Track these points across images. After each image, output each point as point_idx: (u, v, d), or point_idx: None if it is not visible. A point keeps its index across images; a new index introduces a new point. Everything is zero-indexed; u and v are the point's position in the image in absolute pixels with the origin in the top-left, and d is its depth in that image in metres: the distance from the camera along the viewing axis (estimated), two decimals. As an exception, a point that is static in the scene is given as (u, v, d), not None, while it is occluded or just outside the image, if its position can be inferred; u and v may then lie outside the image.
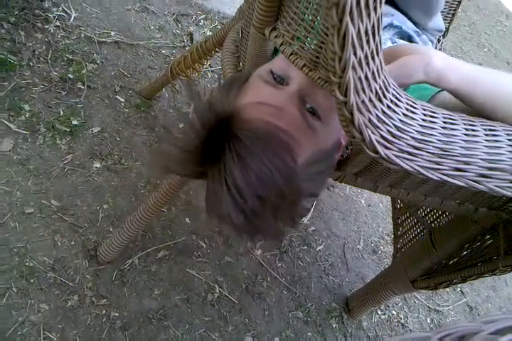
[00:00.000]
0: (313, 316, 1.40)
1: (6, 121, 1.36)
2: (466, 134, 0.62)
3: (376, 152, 0.58)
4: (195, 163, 0.64)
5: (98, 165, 1.40)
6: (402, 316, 1.54)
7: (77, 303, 1.13)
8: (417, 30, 1.01)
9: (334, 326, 1.41)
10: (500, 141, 0.64)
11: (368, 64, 0.52)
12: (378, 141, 0.58)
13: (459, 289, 1.71)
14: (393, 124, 0.58)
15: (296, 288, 1.44)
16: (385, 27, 0.95)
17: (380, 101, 0.57)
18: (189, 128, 0.62)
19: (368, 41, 0.50)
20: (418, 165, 0.60)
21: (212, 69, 1.94)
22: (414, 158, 0.59)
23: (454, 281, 1.08)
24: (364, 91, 0.54)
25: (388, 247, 1.69)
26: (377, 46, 0.52)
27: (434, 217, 1.20)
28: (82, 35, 1.71)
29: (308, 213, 0.70)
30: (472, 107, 0.67)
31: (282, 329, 1.34)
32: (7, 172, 1.27)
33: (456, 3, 1.44)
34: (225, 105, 0.63)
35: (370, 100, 0.55)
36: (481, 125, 0.65)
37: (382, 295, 1.30)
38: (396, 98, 0.59)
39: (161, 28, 1.95)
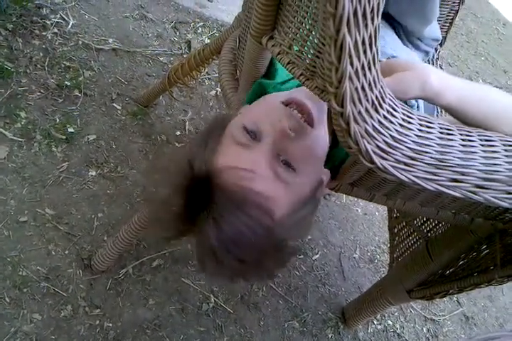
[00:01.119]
0: (309, 326, 1.39)
1: (1, 129, 1.35)
2: (462, 145, 0.62)
3: (372, 162, 0.58)
4: (176, 223, 0.67)
5: (94, 173, 1.40)
6: (398, 326, 1.53)
7: (71, 313, 1.12)
8: (394, 55, 1.01)
9: (330, 336, 1.40)
10: (497, 152, 0.64)
11: (364, 74, 0.52)
12: (374, 152, 0.57)
13: (455, 299, 1.70)
14: (389, 134, 0.58)
15: (292, 298, 1.43)
16: None
17: (377, 111, 0.56)
18: (172, 188, 0.66)
19: (364, 51, 0.50)
20: (414, 176, 0.59)
21: (209, 76, 1.94)
22: (411, 169, 0.59)
23: (451, 291, 1.07)
24: (361, 102, 0.54)
25: (385, 256, 1.68)
26: (374, 56, 0.52)
27: (431, 226, 1.20)
28: (80, 42, 1.71)
29: (296, 253, 0.75)
30: (467, 123, 0.67)
31: (278, 339, 1.33)
32: (1, 180, 1.26)
33: (454, 12, 1.45)
34: (202, 165, 0.65)
35: (367, 110, 0.55)
36: (478, 135, 0.65)
37: (378, 305, 1.29)
38: (392, 108, 0.59)
39: (159, 35, 1.96)
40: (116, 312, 1.17)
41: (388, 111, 0.58)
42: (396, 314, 1.56)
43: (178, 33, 2.05)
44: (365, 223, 1.77)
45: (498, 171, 0.62)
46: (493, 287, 1.84)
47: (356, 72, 0.51)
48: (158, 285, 1.26)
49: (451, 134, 0.62)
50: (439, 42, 1.30)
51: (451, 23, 1.49)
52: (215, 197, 0.63)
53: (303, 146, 0.69)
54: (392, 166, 0.58)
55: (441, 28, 1.42)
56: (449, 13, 1.45)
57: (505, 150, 0.64)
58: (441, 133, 0.62)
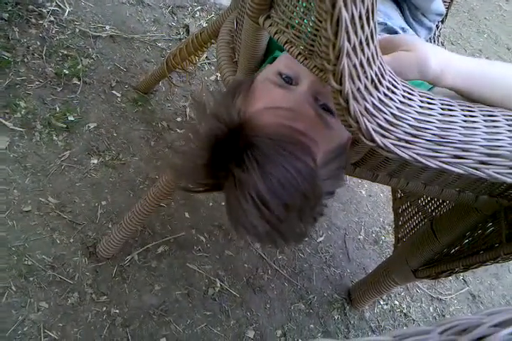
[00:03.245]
0: (315, 308, 1.40)
1: (1, 119, 1.35)
2: (464, 120, 0.61)
3: (373, 141, 0.57)
4: (209, 177, 0.63)
5: (95, 161, 1.39)
6: (404, 306, 1.53)
7: (77, 301, 1.13)
8: (403, 26, 0.99)
9: (336, 317, 1.41)
10: (500, 127, 0.63)
11: (362, 50, 0.51)
12: (375, 130, 0.56)
13: (461, 277, 1.71)
14: (390, 112, 0.57)
15: (298, 280, 1.43)
16: None
17: (376, 88, 0.55)
18: (199, 142, 0.62)
19: (362, 26, 0.49)
20: (416, 153, 0.59)
21: (209, 61, 1.92)
22: (412, 146, 0.58)
23: (456, 270, 1.07)
24: (359, 79, 0.53)
25: (389, 237, 1.68)
26: (371, 32, 0.51)
27: (435, 205, 1.19)
28: (77, 30, 1.69)
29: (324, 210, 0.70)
30: (471, 100, 0.66)
31: (284, 321, 1.33)
32: (4, 170, 1.26)
33: (455, -13, 1.42)
34: (234, 114, 0.62)
35: (366, 88, 0.54)
36: (480, 111, 0.64)
37: (384, 285, 1.29)
38: (392, 85, 0.58)
39: (156, 20, 1.93)
40: (122, 299, 1.18)
41: (388, 88, 0.57)
42: (402, 294, 1.56)
43: (175, 18, 2.02)
44: (369, 204, 1.77)
45: (500, 146, 0.61)
46: (500, 265, 1.84)
47: (354, 48, 0.50)
48: (163, 271, 1.27)
49: (453, 110, 0.61)
50: (442, 17, 1.28)
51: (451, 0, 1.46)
52: (254, 139, 0.59)
53: None
54: (394, 144, 0.58)
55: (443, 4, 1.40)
56: (451, -12, 1.42)
57: (509, 125, 0.63)
58: (443, 109, 0.61)
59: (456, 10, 3.33)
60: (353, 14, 0.47)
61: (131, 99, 1.60)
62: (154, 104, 1.65)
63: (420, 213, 1.25)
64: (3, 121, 1.35)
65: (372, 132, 0.56)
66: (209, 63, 1.92)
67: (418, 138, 0.58)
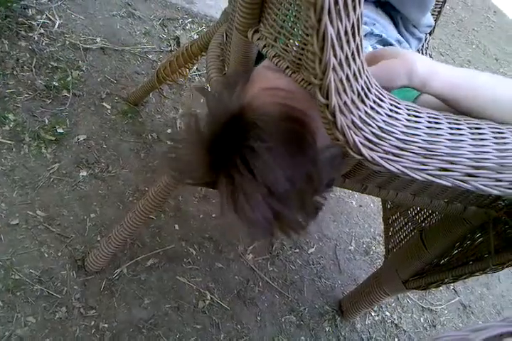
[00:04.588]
0: (306, 320, 1.39)
1: (-11, 132, 1.34)
2: (451, 133, 0.61)
3: (360, 154, 0.57)
4: (213, 165, 0.62)
5: (85, 173, 1.39)
6: (395, 317, 1.53)
7: (65, 315, 1.11)
8: (399, 38, 1.01)
9: (327, 329, 1.40)
10: (486, 139, 0.63)
11: (348, 65, 0.52)
12: (362, 143, 0.57)
13: (452, 287, 1.71)
14: (377, 125, 0.57)
15: (289, 292, 1.42)
16: (365, 35, 0.95)
17: (363, 102, 0.56)
18: (204, 126, 0.62)
19: (348, 41, 0.50)
20: (403, 166, 0.59)
21: (199, 73, 1.93)
22: (400, 159, 0.59)
23: (446, 281, 1.07)
24: (346, 93, 0.53)
25: (380, 247, 1.69)
26: (357, 46, 0.51)
27: (424, 216, 1.20)
28: (67, 42, 1.69)
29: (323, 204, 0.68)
30: (457, 109, 0.67)
31: (275, 334, 1.32)
32: (-9, 183, 1.25)
33: (442, 0, 1.44)
34: (235, 98, 0.62)
35: (353, 102, 0.55)
36: (467, 123, 0.65)
37: (375, 296, 1.29)
38: (379, 99, 0.58)
39: (147, 32, 1.94)
40: (111, 313, 1.16)
41: (375, 102, 0.58)
42: (393, 305, 1.56)
43: (166, 30, 2.03)
44: (360, 215, 1.77)
45: (487, 159, 0.61)
46: (490, 274, 1.84)
47: (340, 63, 0.51)
48: (153, 284, 1.25)
49: (440, 123, 0.62)
50: (431, 28, 1.31)
51: (439, 12, 1.49)
52: (256, 118, 0.59)
53: None
54: (381, 157, 0.58)
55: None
56: (438, 1, 1.45)
57: (495, 138, 0.64)
58: (430, 122, 0.61)
59: (445, 21, 3.38)
60: (338, 30, 0.48)
61: (121, 111, 1.60)
62: (144, 116, 1.65)
63: (410, 224, 1.25)
64: (-8, 134, 1.34)
65: (360, 145, 0.57)
66: (199, 75, 1.93)
67: (405, 151, 0.59)
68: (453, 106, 0.67)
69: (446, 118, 0.64)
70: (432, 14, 1.46)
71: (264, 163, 0.58)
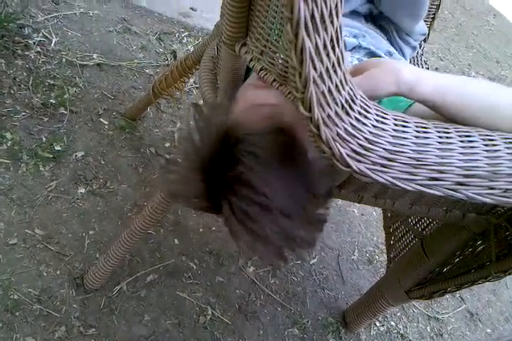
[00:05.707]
0: (310, 332, 1.37)
1: (-13, 151, 1.34)
2: (440, 142, 0.61)
3: (348, 166, 0.57)
4: (208, 191, 0.62)
5: (83, 190, 1.39)
6: (401, 326, 1.51)
7: (65, 334, 1.10)
8: (390, 50, 1.01)
9: (332, 341, 1.38)
10: (476, 147, 0.63)
11: (330, 77, 0.51)
12: (349, 155, 0.56)
13: (458, 295, 1.68)
14: (363, 137, 0.57)
15: (291, 305, 1.41)
16: (353, 48, 0.95)
17: (347, 114, 0.55)
18: (194, 148, 0.61)
19: (327, 54, 0.49)
20: (392, 177, 0.58)
21: (197, 85, 1.93)
22: (388, 170, 0.58)
23: (449, 290, 1.05)
24: (329, 105, 0.53)
25: (383, 256, 1.66)
26: (338, 58, 0.51)
27: (425, 224, 1.19)
28: (64, 60, 1.71)
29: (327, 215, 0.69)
30: (446, 117, 0.66)
31: (278, 348, 1.31)
32: (-11, 202, 1.25)
33: (435, 6, 1.44)
34: (222, 121, 0.62)
35: (337, 114, 0.54)
36: (456, 131, 0.64)
37: (378, 306, 1.27)
38: (364, 110, 0.58)
39: (143, 47, 1.96)
40: (111, 331, 1.15)
41: (360, 113, 0.57)
42: (398, 314, 1.54)
43: (163, 44, 2.05)
44: (362, 224, 1.76)
45: (478, 167, 0.61)
46: (497, 281, 1.81)
47: (321, 76, 0.50)
48: (153, 300, 1.24)
49: (428, 132, 0.61)
50: (425, 36, 1.31)
51: (433, 18, 1.49)
52: (245, 137, 0.59)
53: None
54: (369, 168, 0.57)
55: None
56: (431, 8, 1.44)
57: (485, 145, 0.63)
58: (418, 131, 0.61)
59: (443, 26, 3.38)
60: (316, 43, 0.48)
61: (119, 127, 1.60)
62: (142, 131, 1.65)
63: (411, 232, 1.24)
64: (-11, 153, 1.34)
65: (346, 157, 0.56)
66: (197, 87, 1.93)
67: (394, 161, 0.58)
68: (442, 113, 0.66)
69: (435, 126, 0.63)
70: (426, 20, 1.46)
71: (261, 179, 0.58)
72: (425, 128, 0.62)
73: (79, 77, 1.69)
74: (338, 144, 0.55)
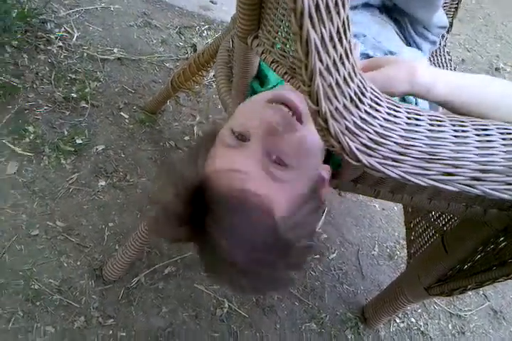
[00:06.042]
0: (328, 327, 1.36)
1: (10, 145, 1.37)
2: (455, 136, 0.59)
3: (358, 160, 0.55)
4: (180, 228, 0.65)
5: (103, 183, 1.40)
6: (421, 323, 1.48)
7: (84, 324, 1.12)
8: (392, 50, 0.98)
9: (350, 337, 1.36)
10: (493, 141, 0.60)
11: (337, 70, 0.50)
12: (359, 149, 0.55)
13: (481, 292, 1.64)
14: (373, 130, 0.55)
15: (309, 299, 1.40)
16: None
17: (357, 107, 0.54)
18: (166, 200, 0.65)
19: (334, 46, 0.48)
20: (404, 172, 0.57)
21: (216, 79, 1.93)
22: (400, 165, 0.56)
23: (469, 287, 1.03)
24: (337, 98, 0.52)
25: (404, 252, 1.63)
26: (346, 50, 0.50)
27: (446, 219, 1.16)
28: (85, 54, 1.73)
29: (311, 252, 0.75)
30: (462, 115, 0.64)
31: (295, 342, 1.31)
32: (12, 195, 1.28)
33: (458, -2, 1.40)
34: (194, 175, 0.65)
35: (345, 107, 0.53)
36: (472, 125, 0.62)
37: (398, 303, 1.25)
38: (375, 103, 0.56)
39: (164, 41, 1.96)
40: (129, 322, 1.17)
41: (370, 106, 0.56)
42: (419, 311, 1.51)
43: (183, 38, 2.05)
44: (383, 218, 1.73)
45: (495, 161, 0.58)
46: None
47: (327, 68, 0.49)
48: (171, 292, 1.26)
49: (442, 125, 0.59)
50: (446, 29, 1.26)
51: (456, 8, 1.44)
52: (211, 202, 0.62)
53: (294, 141, 0.67)
54: (380, 163, 0.56)
55: (447, 14, 1.37)
56: (453, -2, 1.40)
57: (503, 139, 0.61)
58: (432, 125, 0.59)
59: (471, 16, 3.29)
60: (322, 34, 0.46)
61: (139, 120, 1.61)
62: (162, 124, 1.66)
63: (431, 227, 1.21)
64: (12, 147, 1.37)
65: (356, 151, 0.55)
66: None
67: (405, 155, 0.56)
68: (461, 114, 0.64)
69: (451, 120, 0.61)
70: (448, 11, 1.42)
71: (221, 244, 0.61)
72: (440, 121, 0.60)
73: (100, 71, 1.70)
74: (347, 138, 0.54)
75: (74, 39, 1.76)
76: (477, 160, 0.58)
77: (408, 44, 1.14)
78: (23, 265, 1.16)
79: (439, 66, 1.35)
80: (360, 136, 0.55)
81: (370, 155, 0.56)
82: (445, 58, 1.38)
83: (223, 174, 0.64)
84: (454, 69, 1.38)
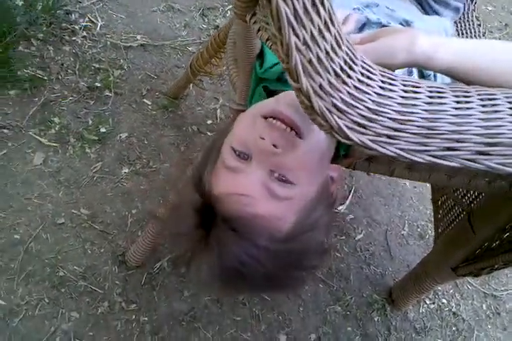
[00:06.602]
0: (353, 310, 1.34)
1: (37, 136, 1.41)
2: (456, 108, 0.55)
3: (349, 138, 0.53)
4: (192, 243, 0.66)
5: (126, 170, 1.42)
6: (453, 304, 1.43)
7: (107, 310, 1.15)
8: (407, 18, 0.92)
9: (376, 319, 1.34)
10: (501, 111, 0.56)
11: (317, 44, 0.47)
12: (349, 127, 0.52)
13: (519, 271, 1.57)
14: (365, 106, 0.52)
15: (334, 281, 1.38)
16: (364, 26, 0.87)
17: (344, 82, 0.51)
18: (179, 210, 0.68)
19: (311, 19, 0.45)
20: (399, 149, 0.54)
21: (239, 61, 1.90)
22: (395, 141, 0.53)
23: (496, 267, 0.98)
24: (319, 74, 0.49)
25: (437, 231, 1.59)
26: (325, 22, 0.47)
27: (472, 197, 1.10)
28: (108, 43, 1.74)
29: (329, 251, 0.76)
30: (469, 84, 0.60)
31: (319, 325, 1.29)
32: (39, 185, 1.32)
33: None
34: (204, 189, 0.66)
35: (330, 83, 0.50)
36: (478, 95, 0.57)
37: (424, 284, 1.21)
38: (367, 76, 0.53)
39: (187, 24, 1.94)
40: (151, 306, 1.19)
41: (361, 81, 0.52)
42: (451, 291, 1.46)
43: (206, 20, 2.02)
44: (414, 197, 1.67)
45: (501, 133, 0.54)
46: None
47: (305, 43, 0.46)
48: (192, 276, 1.27)
49: (443, 97, 0.56)
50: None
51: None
52: (219, 225, 0.62)
53: (295, 157, 0.65)
54: (373, 140, 0.53)
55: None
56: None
57: (511, 108, 0.56)
58: (431, 97, 0.55)
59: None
60: (294, 7, 0.44)
61: (162, 106, 1.62)
62: (184, 109, 1.66)
63: (458, 206, 1.16)
64: (39, 138, 1.41)
65: (346, 129, 0.52)
66: (239, 63, 1.90)
67: (401, 131, 0.53)
68: (469, 83, 0.60)
69: (453, 90, 0.57)
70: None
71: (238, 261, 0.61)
72: (440, 92, 0.56)
73: (123, 59, 1.71)
74: (335, 116, 0.51)
75: (98, 28, 1.77)
76: (482, 132, 0.54)
77: (426, 14, 1.08)
78: (49, 253, 1.20)
79: (465, 33, 1.26)
80: (350, 113, 0.52)
81: (361, 133, 0.53)
82: (472, 24, 1.28)
83: (228, 198, 0.63)
84: (483, 36, 1.29)
